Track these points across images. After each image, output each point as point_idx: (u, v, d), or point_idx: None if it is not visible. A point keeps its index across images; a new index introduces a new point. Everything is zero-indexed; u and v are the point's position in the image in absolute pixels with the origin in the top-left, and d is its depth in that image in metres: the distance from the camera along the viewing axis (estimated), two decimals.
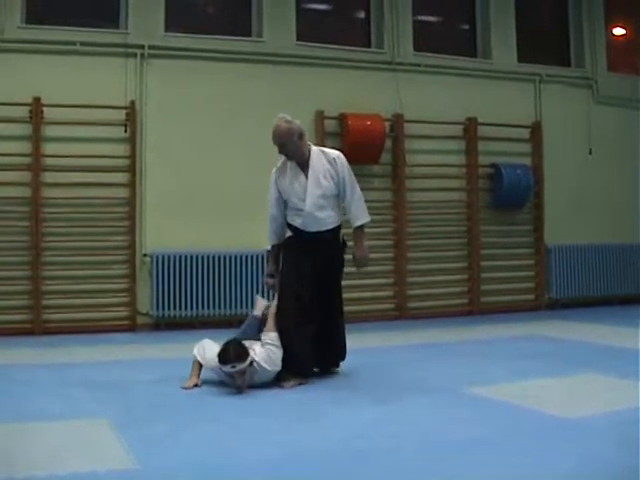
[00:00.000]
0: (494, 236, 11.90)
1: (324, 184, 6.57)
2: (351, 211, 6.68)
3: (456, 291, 11.69)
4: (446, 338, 9.40)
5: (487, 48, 12.34)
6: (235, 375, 6.09)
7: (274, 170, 6.83)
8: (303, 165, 6.63)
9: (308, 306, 6.52)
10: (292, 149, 6.63)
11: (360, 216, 6.67)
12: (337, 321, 6.87)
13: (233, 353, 6.08)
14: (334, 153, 6.75)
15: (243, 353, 6.10)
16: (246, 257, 10.49)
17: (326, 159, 6.65)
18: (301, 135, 6.63)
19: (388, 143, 11.25)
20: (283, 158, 6.75)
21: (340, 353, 6.91)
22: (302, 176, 6.62)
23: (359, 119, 10.93)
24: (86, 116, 9.87)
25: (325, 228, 6.58)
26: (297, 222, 6.67)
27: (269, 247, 6.96)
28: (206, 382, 6.43)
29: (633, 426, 4.78)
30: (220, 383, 6.36)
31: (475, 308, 11.61)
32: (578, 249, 12.45)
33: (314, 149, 6.73)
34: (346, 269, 6.97)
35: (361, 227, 6.71)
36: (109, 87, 10.07)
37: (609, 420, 5.03)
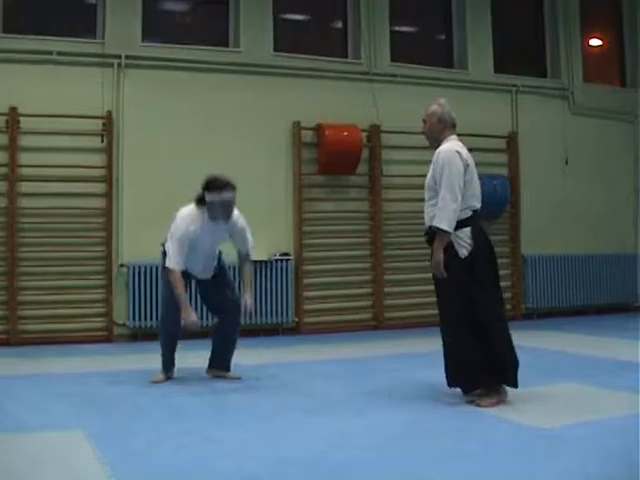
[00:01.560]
0: None
1: (428, 175, 6.22)
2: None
3: (434, 301, 11.60)
4: (424, 348, 9.37)
5: (464, 59, 12.40)
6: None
7: None
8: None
9: None
10: (428, 129, 6.32)
11: (436, 217, 5.96)
12: (443, 338, 6.44)
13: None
14: (444, 147, 6.13)
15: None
16: None
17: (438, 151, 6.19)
18: (440, 120, 6.22)
19: (365, 154, 11.28)
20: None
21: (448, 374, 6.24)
22: None
23: (336, 130, 10.95)
24: (63, 126, 9.84)
25: (428, 223, 6.14)
26: None
27: None
28: (184, 390, 6.40)
29: (611, 435, 4.81)
30: (197, 393, 6.34)
31: None
32: (554, 259, 12.52)
33: (446, 140, 6.23)
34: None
35: (439, 231, 5.96)
36: (86, 97, 10.03)
37: (587, 430, 5.05)
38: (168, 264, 6.81)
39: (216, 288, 7.23)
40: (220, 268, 7.28)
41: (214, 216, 6.87)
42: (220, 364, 7.21)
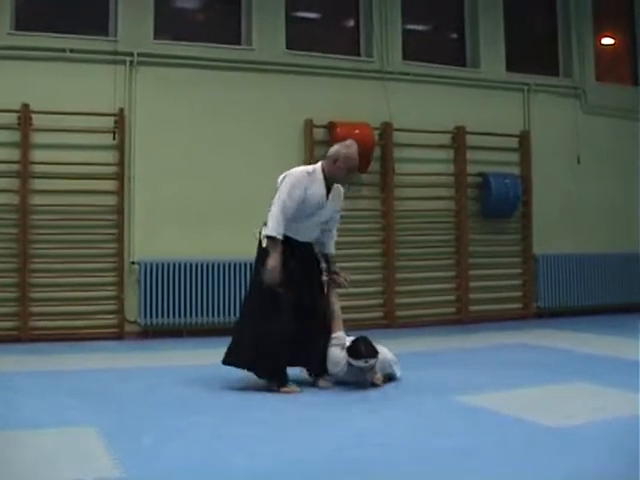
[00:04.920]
0: (482, 245, 11.91)
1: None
2: None
3: (444, 300, 11.69)
4: (435, 347, 9.40)
5: (476, 57, 12.38)
6: (365, 370, 6.47)
7: None
8: None
9: None
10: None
11: None
12: None
13: (365, 349, 6.50)
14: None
15: (373, 349, 6.51)
16: (235, 265, 10.48)
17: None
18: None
19: (377, 152, 11.26)
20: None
21: None
22: None
23: (348, 127, 10.92)
24: (75, 123, 9.86)
25: None
26: None
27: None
28: (195, 386, 6.40)
29: (622, 435, 4.79)
30: (209, 390, 6.34)
31: (463, 317, 11.60)
32: (566, 258, 12.48)
33: None
34: None
35: None
36: (98, 94, 10.06)
37: (598, 429, 5.03)
38: None
39: None
40: None
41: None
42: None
